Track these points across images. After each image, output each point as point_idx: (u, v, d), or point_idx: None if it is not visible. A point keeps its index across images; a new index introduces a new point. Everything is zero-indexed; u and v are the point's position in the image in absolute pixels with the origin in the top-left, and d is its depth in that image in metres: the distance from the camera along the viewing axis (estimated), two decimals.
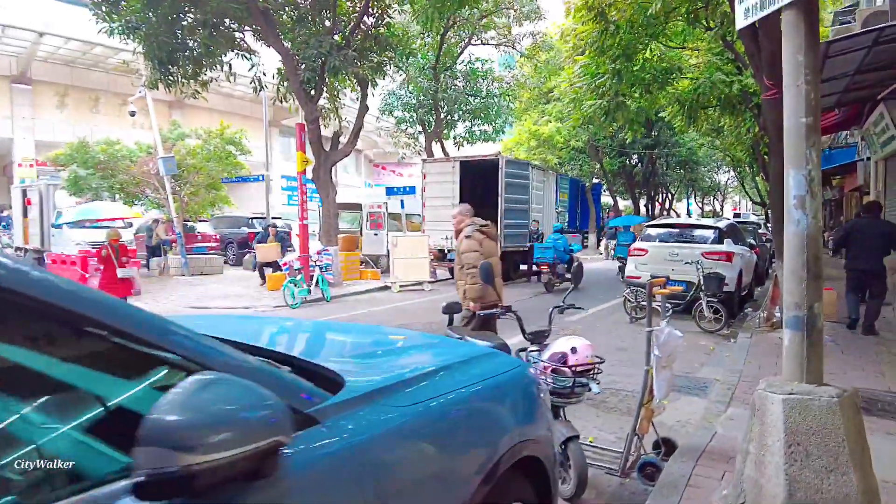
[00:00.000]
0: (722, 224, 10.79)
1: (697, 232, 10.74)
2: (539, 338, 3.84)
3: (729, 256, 10.13)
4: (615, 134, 28.75)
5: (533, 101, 30.18)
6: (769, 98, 7.19)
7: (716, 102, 18.87)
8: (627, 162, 36.45)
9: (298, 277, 12.44)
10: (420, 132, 20.33)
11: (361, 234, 18.54)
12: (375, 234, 17.78)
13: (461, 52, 19.41)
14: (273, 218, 21.24)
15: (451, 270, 17.41)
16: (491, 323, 5.44)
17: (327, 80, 14.68)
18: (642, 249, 10.88)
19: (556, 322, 4.30)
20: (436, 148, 20.98)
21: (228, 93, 30.81)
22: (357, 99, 17.97)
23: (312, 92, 14.52)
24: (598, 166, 34.71)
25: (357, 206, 19.07)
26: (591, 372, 3.42)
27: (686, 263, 9.59)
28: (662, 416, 5.26)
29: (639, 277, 10.33)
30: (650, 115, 27.42)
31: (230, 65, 13.20)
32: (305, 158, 13.64)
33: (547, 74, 21.13)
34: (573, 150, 34.53)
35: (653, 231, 11.22)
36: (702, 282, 9.00)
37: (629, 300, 9.80)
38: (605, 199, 42.39)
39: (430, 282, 14.98)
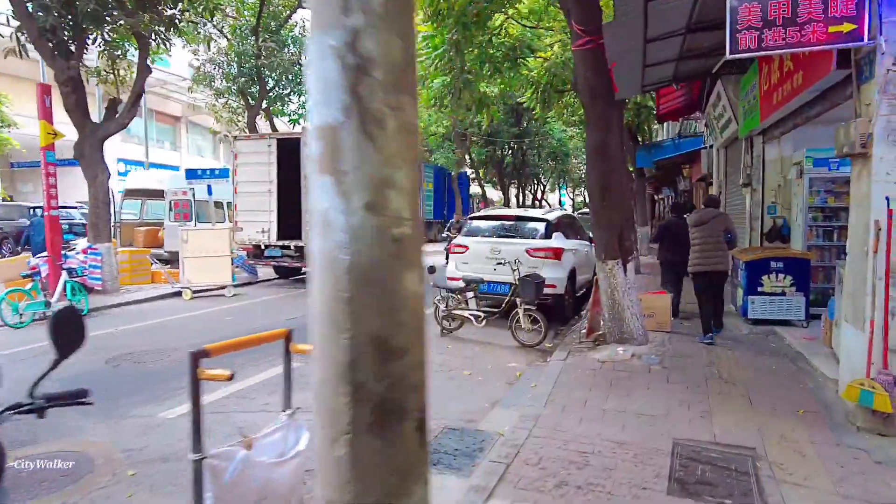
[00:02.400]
0: (552, 216, 9.24)
1: (525, 225, 9.10)
2: None
3: (557, 253, 8.57)
4: (476, 121, 27.47)
5: None
6: (581, 49, 5.53)
7: (570, 87, 17.88)
8: (496, 151, 35.59)
9: (28, 286, 9.32)
10: (243, 107, 17.37)
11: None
12: (180, 227, 14.70)
13: (290, 15, 16.71)
14: (67, 207, 17.28)
15: (278, 269, 14.85)
16: None
17: (93, 32, 11.51)
18: (462, 246, 9.08)
19: None
20: (265, 126, 18.18)
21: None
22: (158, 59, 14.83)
23: (72, 46, 11.28)
24: (465, 155, 33.40)
25: (159, 193, 15.84)
26: None
27: (505, 263, 7.86)
28: None
29: (458, 279, 8.52)
30: (507, 100, 26.41)
31: None
32: (51, 130, 10.43)
33: None
34: (440, 137, 33.01)
35: (479, 223, 9.46)
36: (518, 285, 7.30)
37: (440, 308, 7.92)
38: (477, 189, 41.45)
39: (234, 286, 12.33)
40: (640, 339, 6.31)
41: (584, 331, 6.86)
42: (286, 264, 14.05)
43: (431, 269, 8.03)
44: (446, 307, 7.86)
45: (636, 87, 8.95)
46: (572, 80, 7.04)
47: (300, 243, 13.37)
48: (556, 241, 8.78)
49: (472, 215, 9.81)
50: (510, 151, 37.73)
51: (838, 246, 7.83)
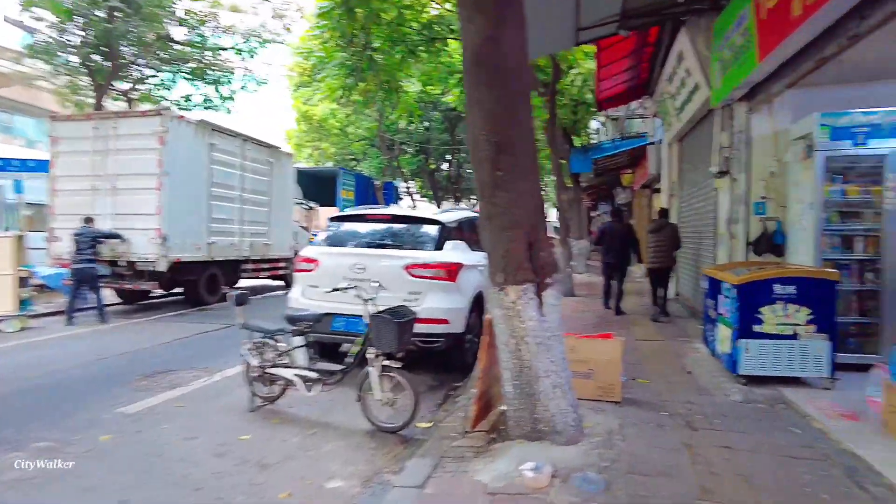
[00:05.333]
0: (448, 217, 6.27)
1: (408, 230, 6.09)
2: None
3: (452, 271, 5.61)
4: (397, 122, 24.63)
5: (307, 74, 24.82)
6: None
7: None
8: (428, 162, 32.77)
9: None
10: (92, 86, 13.69)
11: None
12: None
13: None
14: None
15: (120, 292, 11.24)
16: None
17: None
18: (311, 260, 5.98)
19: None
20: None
21: None
22: None
23: None
24: (393, 163, 30.39)
25: None
26: None
27: (349, 288, 4.77)
28: None
29: (307, 309, 5.41)
30: (428, 97, 23.57)
31: None
32: None
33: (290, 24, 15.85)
34: (366, 143, 29.96)
35: (341, 228, 6.37)
36: (370, 327, 4.27)
37: (250, 364, 4.77)
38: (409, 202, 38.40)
39: (26, 316, 8.78)
40: (571, 432, 3.36)
41: (472, 402, 3.85)
42: (119, 286, 10.53)
43: (239, 300, 4.89)
44: (260, 362, 4.73)
45: (569, 34, 6.20)
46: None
47: (134, 256, 9.92)
48: (453, 252, 5.82)
49: (334, 216, 6.75)
50: (446, 163, 35.01)
51: (862, 261, 5.23)
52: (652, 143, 11.96)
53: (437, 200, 35.88)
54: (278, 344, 4.74)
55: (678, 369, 5.68)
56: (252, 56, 16.38)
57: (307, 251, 6.14)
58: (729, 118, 6.19)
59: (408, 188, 33.51)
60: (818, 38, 4.11)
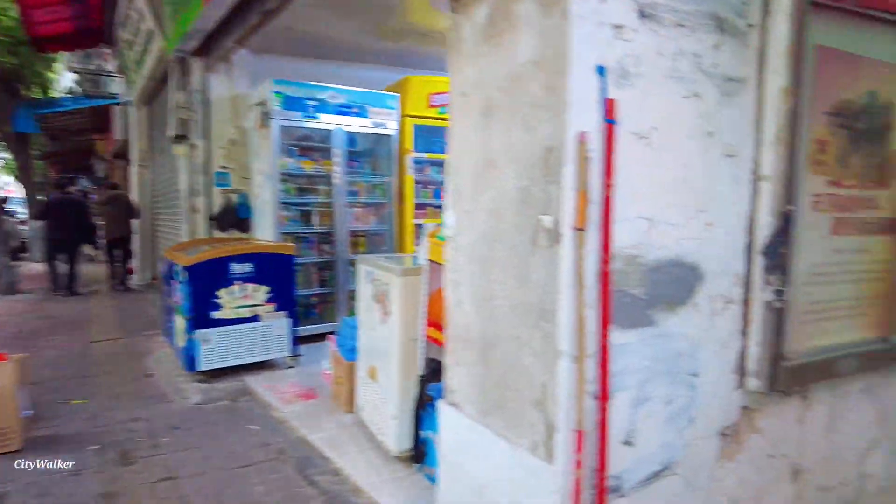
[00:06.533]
0: None
1: None
2: None
3: None
4: None
5: None
6: None
7: None
8: None
9: None
10: None
11: None
12: None
13: None
14: None
15: None
16: None
17: None
18: None
19: None
20: None
21: None
22: None
23: None
24: None
25: None
26: None
27: None
28: None
29: None
30: None
31: None
32: None
33: None
34: None
35: None
36: None
37: None
38: None
39: None
40: None
41: None
42: None
43: None
44: None
45: None
46: None
47: None
48: None
49: None
50: None
51: (320, 234, 5.36)
52: (120, 104, 10.17)
53: None
54: None
55: (138, 374, 4.64)
56: None
57: None
58: (185, 75, 5.39)
59: None
60: None
